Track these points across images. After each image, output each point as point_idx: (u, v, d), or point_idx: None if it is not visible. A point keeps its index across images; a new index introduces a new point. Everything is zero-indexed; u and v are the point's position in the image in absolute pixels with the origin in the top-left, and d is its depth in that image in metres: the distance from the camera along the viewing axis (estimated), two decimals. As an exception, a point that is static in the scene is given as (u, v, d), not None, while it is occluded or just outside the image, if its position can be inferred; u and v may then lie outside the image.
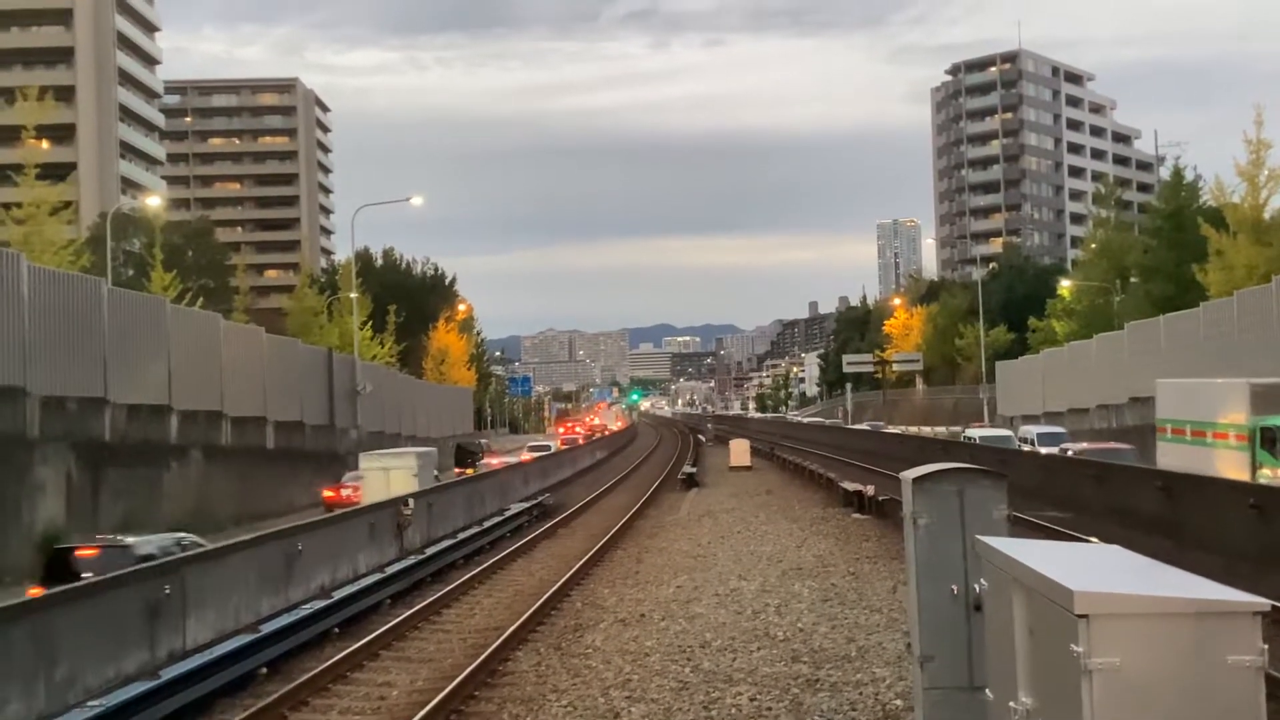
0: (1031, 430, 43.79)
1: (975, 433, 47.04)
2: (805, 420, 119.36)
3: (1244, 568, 16.60)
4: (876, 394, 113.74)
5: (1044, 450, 39.00)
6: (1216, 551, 18.74)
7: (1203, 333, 45.55)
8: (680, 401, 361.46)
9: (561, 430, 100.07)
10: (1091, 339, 61.11)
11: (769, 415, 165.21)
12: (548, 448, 57.52)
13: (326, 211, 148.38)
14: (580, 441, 73.44)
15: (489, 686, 12.42)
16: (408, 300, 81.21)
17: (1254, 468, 25.58)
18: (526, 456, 50.52)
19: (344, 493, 31.76)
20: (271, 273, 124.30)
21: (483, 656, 13.19)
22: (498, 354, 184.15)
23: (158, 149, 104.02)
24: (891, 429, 79.24)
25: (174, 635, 13.80)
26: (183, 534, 18.66)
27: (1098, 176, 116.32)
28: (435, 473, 31.68)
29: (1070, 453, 36.12)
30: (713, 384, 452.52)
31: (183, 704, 11.72)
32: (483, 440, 69.96)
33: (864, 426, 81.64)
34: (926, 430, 78.45)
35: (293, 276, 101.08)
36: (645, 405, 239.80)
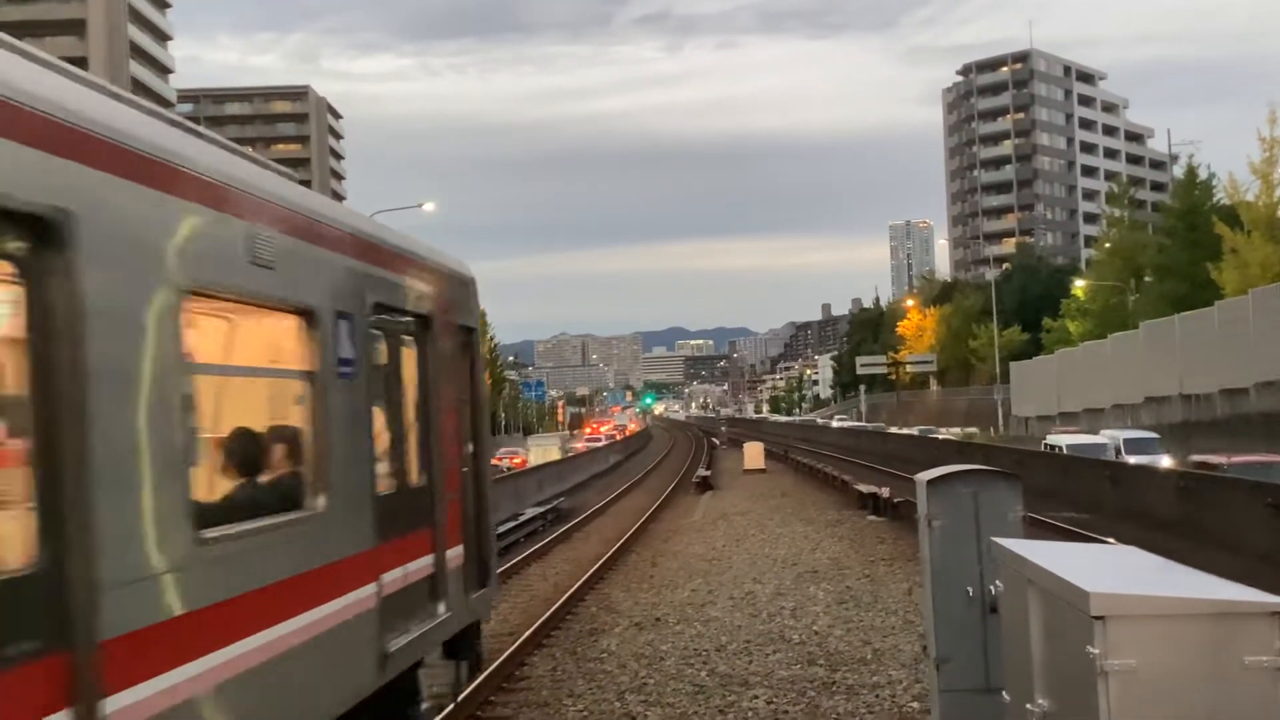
0: (1115, 436, 36.00)
1: (1062, 440, 36.70)
2: (838, 424, 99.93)
3: (1265, 569, 16.53)
4: (890, 395, 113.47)
5: (1133, 460, 31.49)
6: (1235, 552, 18.66)
7: (1218, 331, 45.38)
8: (694, 405, 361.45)
9: (588, 431, 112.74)
10: (1106, 339, 60.95)
11: (795, 419, 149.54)
12: (515, 452, 60.27)
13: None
14: (602, 442, 79.70)
15: (505, 691, 12.43)
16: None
17: None
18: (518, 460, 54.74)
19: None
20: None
21: (497, 662, 13.19)
22: (511, 359, 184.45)
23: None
24: (943, 433, 66.82)
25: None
26: None
27: (1111, 176, 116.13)
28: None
29: (1167, 464, 30.55)
30: (726, 387, 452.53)
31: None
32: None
33: (911, 432, 69.49)
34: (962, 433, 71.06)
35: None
36: (659, 409, 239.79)
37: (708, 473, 43.38)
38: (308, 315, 6.16)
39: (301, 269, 6.21)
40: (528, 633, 14.84)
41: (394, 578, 7.24)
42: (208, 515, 5.19)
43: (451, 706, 9.78)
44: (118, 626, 4.33)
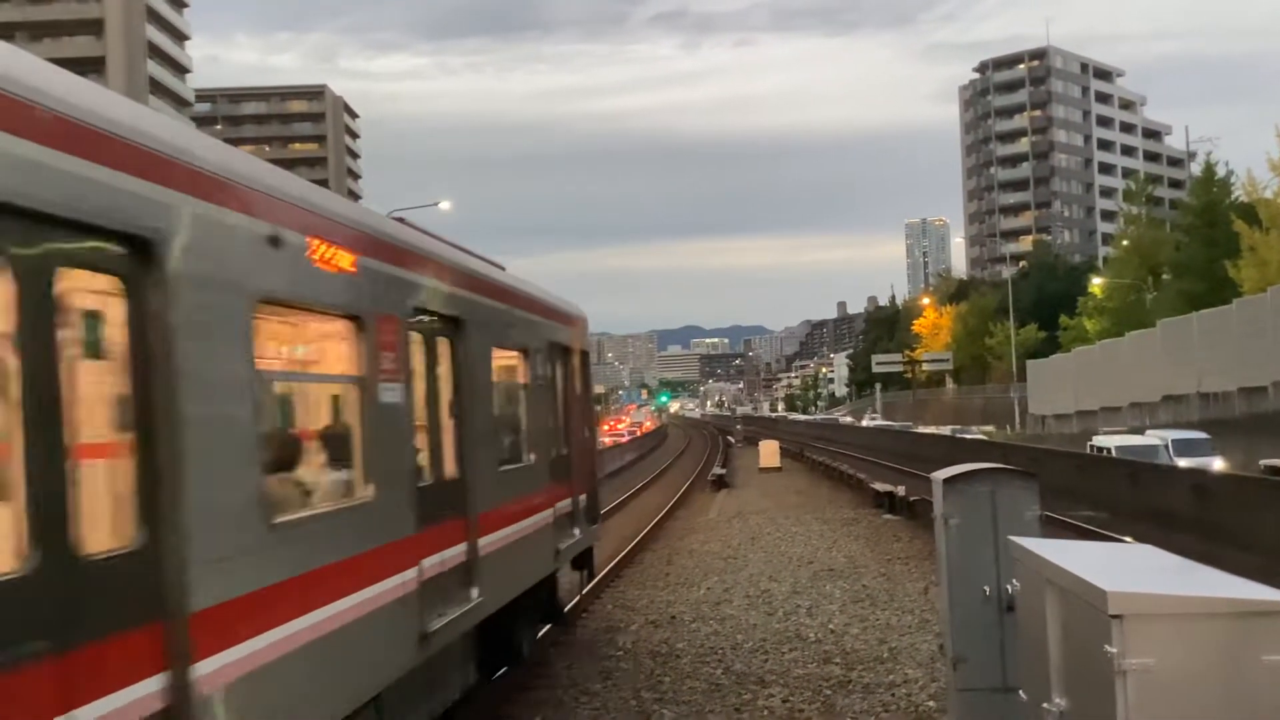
0: (1163, 436, 33.20)
1: (1110, 441, 33.40)
2: (869, 424, 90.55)
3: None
4: (906, 394, 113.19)
5: (1183, 463, 28.94)
6: (1254, 550, 18.57)
7: (1236, 330, 45.13)
8: (709, 403, 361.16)
9: (607, 427, 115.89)
10: (1124, 337, 60.68)
11: (816, 417, 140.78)
12: None
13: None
14: (625, 438, 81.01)
15: (520, 687, 12.45)
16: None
17: None
18: None
19: None
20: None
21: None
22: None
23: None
24: (974, 431, 62.94)
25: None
26: None
27: (1128, 173, 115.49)
28: None
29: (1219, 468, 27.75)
30: (741, 385, 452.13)
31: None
32: None
33: (943, 432, 64.45)
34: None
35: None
36: (674, 407, 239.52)
37: (723, 471, 43.39)
38: (527, 352, 11.47)
39: (528, 331, 11.62)
40: (544, 629, 14.85)
41: (559, 507, 12.42)
42: (507, 458, 10.55)
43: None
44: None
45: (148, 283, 4.70)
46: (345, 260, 6.75)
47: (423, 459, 8.12)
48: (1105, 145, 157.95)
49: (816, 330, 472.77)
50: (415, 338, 8.00)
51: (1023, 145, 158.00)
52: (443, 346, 8.80)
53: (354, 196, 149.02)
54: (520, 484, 10.85)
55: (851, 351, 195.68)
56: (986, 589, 8.24)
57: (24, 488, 3.98)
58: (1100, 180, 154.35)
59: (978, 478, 8.59)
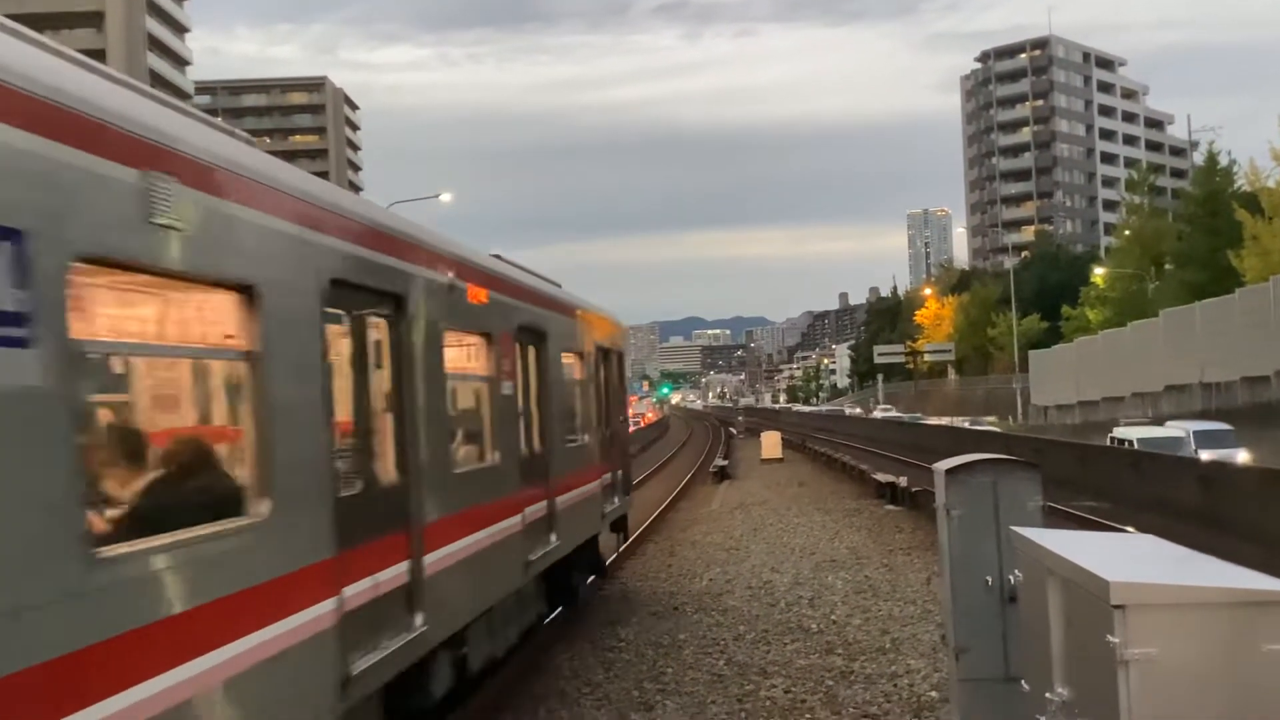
0: (1184, 427, 31.85)
1: (1132, 433, 31.55)
2: (880, 415, 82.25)
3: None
4: (908, 385, 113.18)
5: (1205, 455, 27.11)
6: (1256, 541, 18.55)
7: (1239, 319, 45.09)
8: (711, 395, 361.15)
9: None
10: (1126, 327, 60.64)
11: (824, 408, 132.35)
12: None
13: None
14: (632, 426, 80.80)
15: (521, 678, 12.46)
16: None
17: None
18: None
19: None
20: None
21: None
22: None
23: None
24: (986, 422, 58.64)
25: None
26: None
27: (1130, 163, 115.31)
28: None
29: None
30: (743, 376, 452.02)
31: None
32: None
33: (961, 424, 59.92)
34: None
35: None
36: (676, 398, 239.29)
37: (725, 462, 43.39)
38: (581, 355, 14.53)
39: (582, 337, 14.56)
40: (546, 621, 14.87)
41: (603, 479, 15.43)
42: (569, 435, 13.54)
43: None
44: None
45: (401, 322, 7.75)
46: (483, 296, 9.75)
47: (526, 438, 11.32)
48: (1107, 135, 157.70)
49: (818, 321, 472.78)
50: (521, 348, 11.31)
51: (1025, 135, 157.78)
52: (533, 353, 11.95)
53: (354, 188, 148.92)
54: (579, 459, 13.96)
55: (853, 342, 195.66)
56: (989, 579, 8.23)
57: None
58: (1102, 170, 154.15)
59: (980, 468, 8.58)
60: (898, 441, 57.47)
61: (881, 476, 31.55)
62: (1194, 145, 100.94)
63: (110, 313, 5.11)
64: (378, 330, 7.53)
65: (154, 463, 5.32)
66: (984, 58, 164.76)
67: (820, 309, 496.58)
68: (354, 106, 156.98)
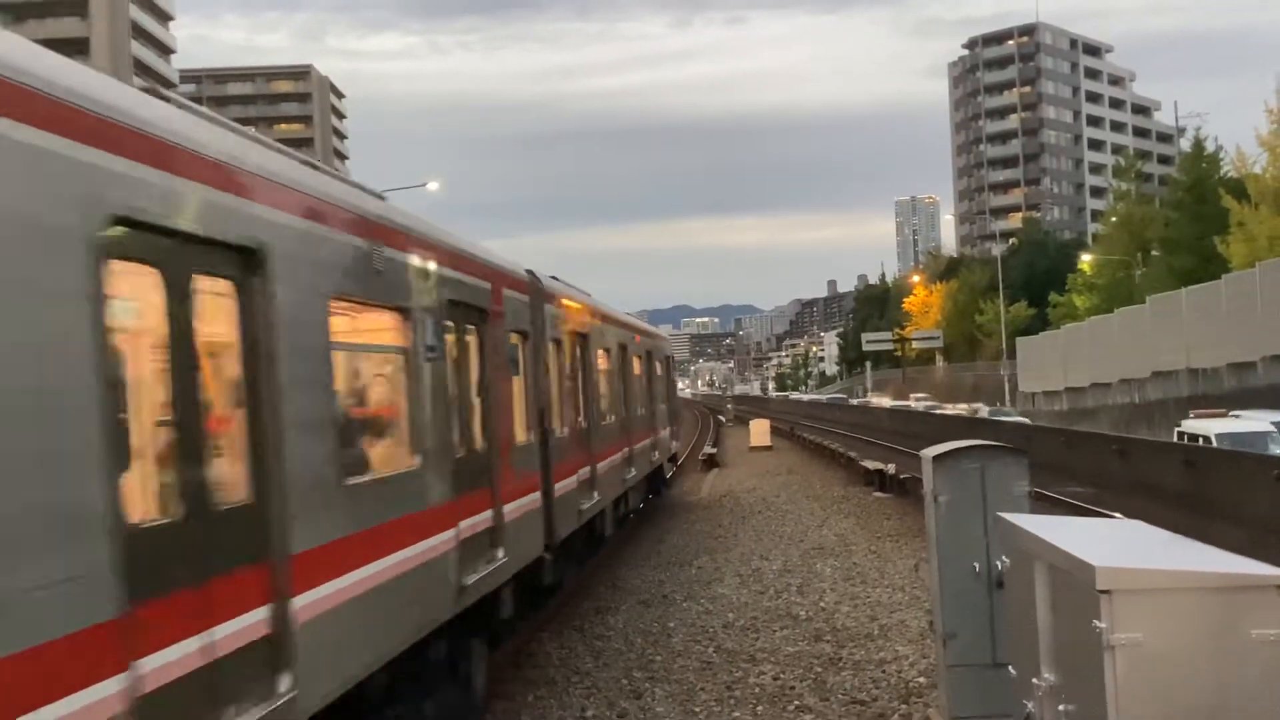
0: (1260, 417, 26.90)
1: (1210, 428, 25.35)
2: (888, 405, 71.02)
3: (1271, 539, 16.48)
4: (896, 372, 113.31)
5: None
6: (1241, 524, 18.61)
7: (1225, 305, 45.21)
8: (700, 382, 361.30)
9: None
10: (1113, 313, 60.76)
11: (822, 396, 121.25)
12: None
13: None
14: None
15: (512, 666, 12.47)
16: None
17: None
18: None
19: None
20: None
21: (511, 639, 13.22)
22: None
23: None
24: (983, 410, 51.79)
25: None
26: None
27: (1118, 149, 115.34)
28: None
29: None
30: (732, 364, 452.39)
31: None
32: None
33: (980, 410, 54.36)
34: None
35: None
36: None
37: (714, 450, 43.42)
38: (649, 357, 24.97)
39: (644, 345, 24.26)
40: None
41: (663, 433, 26.55)
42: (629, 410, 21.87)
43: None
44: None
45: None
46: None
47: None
48: (1095, 121, 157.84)
49: (807, 309, 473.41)
50: (606, 352, 18.13)
51: (1012, 122, 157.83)
52: (618, 359, 19.41)
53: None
54: (656, 420, 24.87)
55: (842, 330, 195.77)
56: (976, 565, 8.26)
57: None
58: (1090, 156, 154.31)
59: (967, 454, 8.60)
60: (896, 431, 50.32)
61: (870, 463, 31.60)
62: (1181, 132, 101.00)
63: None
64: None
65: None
66: (971, 44, 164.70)
67: (809, 297, 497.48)
68: (340, 95, 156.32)
